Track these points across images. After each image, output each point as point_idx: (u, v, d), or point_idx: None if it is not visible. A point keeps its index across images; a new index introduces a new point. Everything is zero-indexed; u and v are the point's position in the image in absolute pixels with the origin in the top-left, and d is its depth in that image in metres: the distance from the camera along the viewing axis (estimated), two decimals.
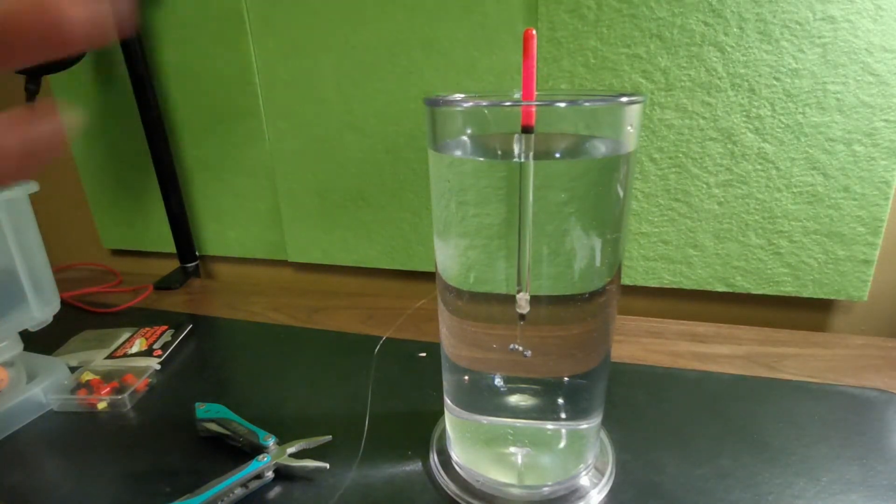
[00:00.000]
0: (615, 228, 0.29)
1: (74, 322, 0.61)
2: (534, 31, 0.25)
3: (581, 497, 0.34)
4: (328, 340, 0.55)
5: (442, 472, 0.36)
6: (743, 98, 0.49)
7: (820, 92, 0.48)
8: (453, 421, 0.37)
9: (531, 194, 0.27)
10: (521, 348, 0.30)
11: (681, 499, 0.34)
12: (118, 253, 0.85)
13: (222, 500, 0.34)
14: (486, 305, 0.32)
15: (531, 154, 0.26)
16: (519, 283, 0.29)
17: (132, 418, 0.44)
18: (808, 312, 0.57)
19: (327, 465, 0.37)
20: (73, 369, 0.49)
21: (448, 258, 0.32)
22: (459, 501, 0.34)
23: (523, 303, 0.29)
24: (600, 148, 0.28)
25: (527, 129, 0.26)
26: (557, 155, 0.27)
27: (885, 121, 0.47)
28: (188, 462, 0.39)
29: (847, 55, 0.46)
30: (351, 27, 0.58)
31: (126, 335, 0.56)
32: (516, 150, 0.27)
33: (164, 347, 0.53)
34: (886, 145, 0.48)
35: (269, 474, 0.36)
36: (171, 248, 0.76)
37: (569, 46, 0.52)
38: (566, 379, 0.33)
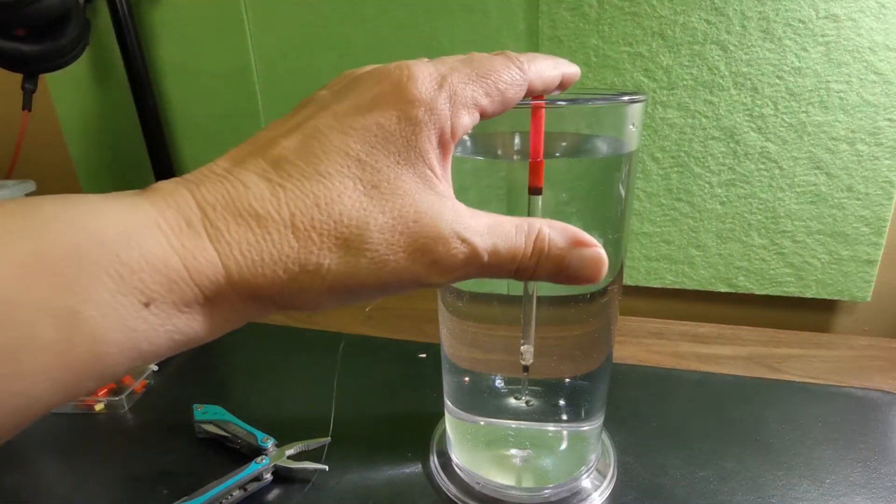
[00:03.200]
0: (617, 228, 0.29)
1: None
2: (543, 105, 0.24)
3: (582, 500, 0.34)
4: (328, 341, 0.55)
5: (442, 474, 0.36)
6: (746, 97, 0.49)
7: (823, 91, 0.47)
8: (453, 422, 0.36)
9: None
10: (524, 399, 0.30)
11: (683, 501, 0.33)
12: None
13: (220, 503, 0.34)
14: (486, 306, 0.31)
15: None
16: (524, 336, 0.28)
17: (129, 420, 0.44)
18: (811, 313, 0.56)
19: (326, 468, 0.36)
20: None
21: None
22: None
23: (528, 355, 0.28)
24: (602, 147, 0.28)
25: (534, 191, 0.25)
26: (559, 154, 0.27)
27: (889, 120, 0.47)
28: (186, 464, 0.38)
29: (850, 54, 0.46)
30: (350, 26, 0.58)
31: None
32: (517, 149, 0.27)
33: None
34: (890, 144, 0.47)
35: (268, 476, 0.36)
36: None
37: (570, 45, 0.51)
38: (567, 380, 0.33)
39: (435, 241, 0.18)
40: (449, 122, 0.18)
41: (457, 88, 0.18)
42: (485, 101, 0.19)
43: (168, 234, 0.16)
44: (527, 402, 0.31)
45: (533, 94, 0.21)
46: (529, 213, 0.25)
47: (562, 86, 0.22)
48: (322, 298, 0.18)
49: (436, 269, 0.18)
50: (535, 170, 0.23)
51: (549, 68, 0.21)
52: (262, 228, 0.17)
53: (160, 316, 0.15)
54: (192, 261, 0.16)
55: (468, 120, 0.19)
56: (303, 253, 0.17)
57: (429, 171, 0.18)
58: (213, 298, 0.16)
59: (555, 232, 0.20)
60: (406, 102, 0.18)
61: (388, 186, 0.18)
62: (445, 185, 0.19)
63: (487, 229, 0.19)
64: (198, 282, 0.16)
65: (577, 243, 0.20)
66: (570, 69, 0.22)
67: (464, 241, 0.18)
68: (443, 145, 0.19)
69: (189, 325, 0.16)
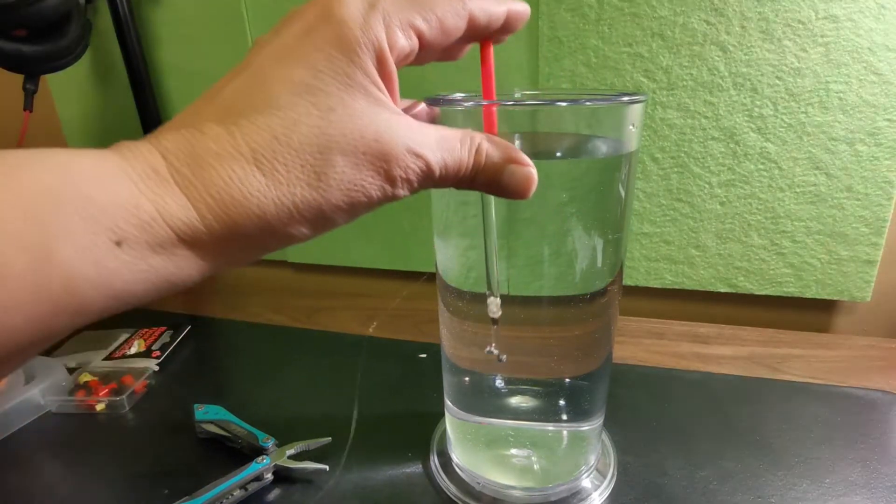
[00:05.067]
0: (617, 229, 0.29)
1: None
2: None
3: (582, 499, 0.34)
4: (328, 341, 0.55)
5: (442, 473, 0.36)
6: (745, 97, 0.49)
7: (822, 91, 0.47)
8: (454, 422, 0.36)
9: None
10: (496, 352, 0.29)
11: (683, 501, 0.33)
12: None
13: (221, 503, 0.34)
14: (487, 306, 0.31)
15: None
16: (489, 288, 0.28)
17: (130, 420, 0.44)
18: (811, 313, 0.56)
19: (326, 468, 0.36)
20: (71, 370, 0.49)
21: (448, 258, 0.32)
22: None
23: (494, 307, 0.28)
24: (602, 147, 0.28)
25: None
26: (559, 154, 0.27)
27: (888, 120, 0.47)
28: (187, 464, 0.38)
29: (850, 54, 0.46)
30: None
31: (124, 336, 0.55)
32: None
33: (163, 349, 0.53)
34: (889, 145, 0.47)
35: (269, 476, 0.36)
36: None
37: (570, 45, 0.51)
38: (567, 380, 0.33)
39: (396, 157, 0.19)
40: (385, 41, 0.18)
41: (390, 9, 0.19)
42: (422, 25, 0.19)
43: (136, 181, 0.16)
44: (498, 359, 0.30)
45: (477, 27, 0.21)
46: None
47: (508, 24, 0.22)
48: (299, 229, 0.18)
49: (399, 183, 0.19)
50: (486, 119, 0.23)
51: (492, 3, 0.21)
52: (226, 168, 0.17)
53: (133, 255, 0.16)
54: (163, 205, 0.16)
55: (404, 41, 0.19)
56: (272, 187, 0.17)
57: (376, 89, 0.19)
58: (189, 241, 0.17)
59: (493, 147, 0.21)
60: (339, 23, 0.18)
61: (344, 109, 0.18)
62: (393, 102, 0.20)
63: (437, 143, 0.20)
64: (171, 224, 0.16)
65: (512, 160, 0.21)
66: (517, 6, 0.22)
67: (419, 156, 0.19)
68: (381, 63, 0.19)
69: (165, 267, 0.17)
